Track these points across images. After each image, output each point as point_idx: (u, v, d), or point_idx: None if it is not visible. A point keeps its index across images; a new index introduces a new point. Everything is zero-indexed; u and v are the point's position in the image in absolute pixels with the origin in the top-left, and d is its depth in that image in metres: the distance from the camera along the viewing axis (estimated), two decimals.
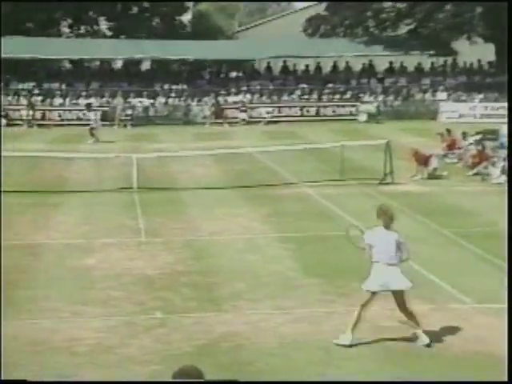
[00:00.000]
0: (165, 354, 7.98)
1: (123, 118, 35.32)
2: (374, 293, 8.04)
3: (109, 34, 47.64)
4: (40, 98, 36.68)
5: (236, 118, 36.45)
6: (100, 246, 12.65)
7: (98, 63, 42.78)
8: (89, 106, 32.85)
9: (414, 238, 11.73)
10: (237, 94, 38.10)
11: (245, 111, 36.61)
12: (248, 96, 38.19)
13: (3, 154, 21.59)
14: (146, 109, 36.81)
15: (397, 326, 8.49)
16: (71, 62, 42.28)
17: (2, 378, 7.25)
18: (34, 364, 7.69)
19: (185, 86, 38.80)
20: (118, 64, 43.54)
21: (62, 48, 39.05)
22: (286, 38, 41.95)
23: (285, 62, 41.41)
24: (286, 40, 41.13)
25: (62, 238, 13.18)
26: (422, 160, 19.43)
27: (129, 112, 35.69)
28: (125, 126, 35.04)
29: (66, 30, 48.54)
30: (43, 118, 35.56)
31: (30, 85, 37.90)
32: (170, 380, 6.83)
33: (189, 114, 37.08)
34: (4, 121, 34.85)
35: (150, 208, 15.86)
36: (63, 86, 38.15)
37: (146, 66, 42.95)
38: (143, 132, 32.74)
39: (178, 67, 42.54)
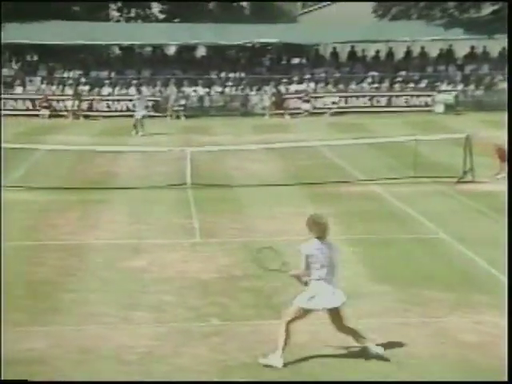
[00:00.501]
0: (221, 365, 8.03)
1: (176, 108, 35.73)
2: (306, 310, 7.89)
3: (161, 17, 48.29)
4: (87, 87, 37.43)
5: (298, 108, 36.46)
6: (151, 246, 12.81)
7: (149, 49, 43.38)
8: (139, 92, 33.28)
9: (497, 244, 11.51)
10: (299, 82, 38.09)
11: (308, 101, 36.57)
12: (312, 85, 38.15)
13: (45, 147, 22.16)
14: (200, 99, 37.15)
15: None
16: (121, 48, 42.96)
17: (3, 378, 7.47)
18: (79, 373, 7.83)
19: (243, 74, 39.00)
20: (171, 50, 44.04)
21: (111, 33, 39.69)
22: (353, 20, 41.68)
23: (352, 47, 41.18)
24: (353, 23, 40.88)
25: (110, 237, 13.41)
26: (507, 157, 19.03)
27: (182, 102, 36.08)
28: (178, 117, 35.44)
29: (116, 13, 49.43)
30: (90, 108, 36.26)
31: (76, 73, 38.69)
32: (172, 380, 7.15)
33: (247, 105, 37.26)
34: (47, 112, 35.68)
35: (204, 206, 15.99)
36: (112, 75, 38.82)
37: (201, 52, 43.33)
38: (197, 124, 33.04)
39: (236, 53, 42.77)
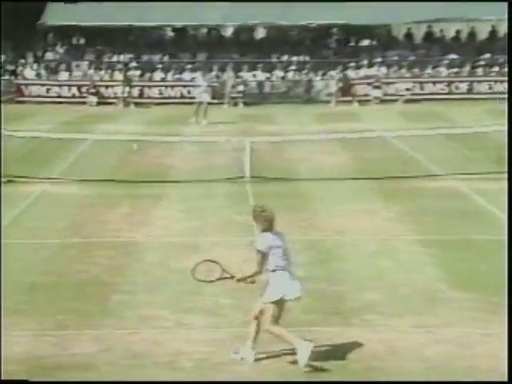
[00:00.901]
0: (282, 371, 8.09)
1: (234, 95, 35.90)
2: (278, 302, 8.26)
3: None
4: (138, 72, 37.85)
5: (368, 95, 36.25)
6: (207, 245, 12.95)
7: (205, 31, 43.66)
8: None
9: None
10: (369, 66, 37.88)
11: (378, 87, 36.34)
12: (383, 69, 37.89)
13: (93, 137, 22.54)
14: (260, 84, 37.24)
15: None
16: (174, 29, 43.30)
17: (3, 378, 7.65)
18: (131, 380, 7.98)
19: (307, 58, 38.95)
20: (229, 32, 44.24)
21: (164, 13, 40.04)
22: None
23: (429, 27, 40.71)
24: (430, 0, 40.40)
25: (163, 235, 13.59)
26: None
27: (240, 88, 36.23)
28: (236, 104, 35.61)
29: None
30: (141, 95, 36.67)
31: (126, 57, 39.20)
32: (173, 380, 7.36)
33: (311, 91, 37.21)
34: (95, 99, 36.21)
35: (264, 201, 15.80)
36: (165, 58, 39.20)
37: (260, 33, 43.41)
38: (257, 112, 33.16)
39: (299, 35, 42.73)
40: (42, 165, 19.95)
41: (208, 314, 9.74)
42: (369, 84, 36.57)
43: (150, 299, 10.24)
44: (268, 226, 8.35)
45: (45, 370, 8.16)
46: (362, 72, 37.57)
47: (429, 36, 40.80)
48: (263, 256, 8.29)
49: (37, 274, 11.37)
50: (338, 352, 8.62)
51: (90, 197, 16.57)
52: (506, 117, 21.66)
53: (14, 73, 38.09)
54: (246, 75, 37.44)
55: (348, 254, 12.46)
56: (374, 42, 41.58)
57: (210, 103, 30.25)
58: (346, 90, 36.26)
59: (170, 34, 44.17)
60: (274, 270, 8.29)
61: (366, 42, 41.61)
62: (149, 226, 14.25)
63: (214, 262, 8.69)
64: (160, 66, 38.41)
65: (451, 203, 15.78)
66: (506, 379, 7.56)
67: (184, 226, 14.19)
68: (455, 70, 37.72)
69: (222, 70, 37.77)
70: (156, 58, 39.35)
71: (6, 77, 37.72)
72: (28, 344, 8.86)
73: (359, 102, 35.54)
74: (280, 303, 8.31)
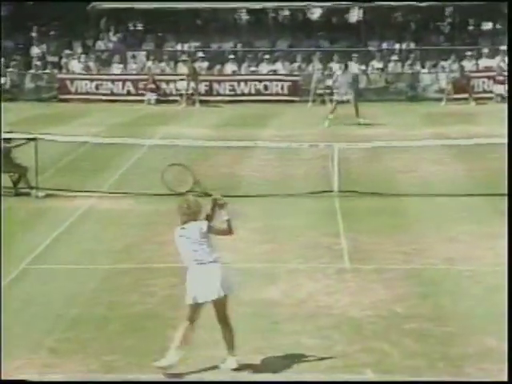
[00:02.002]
0: None
1: (321, 91, 35.96)
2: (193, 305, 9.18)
3: None
4: (206, 63, 38.25)
5: (489, 92, 35.88)
6: (286, 272, 13.01)
7: (287, 13, 43.91)
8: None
9: None
10: (491, 56, 37.48)
11: (502, 82, 35.93)
12: (507, 59, 37.43)
13: (151, 142, 22.85)
14: (354, 78, 37.20)
15: None
16: (250, 12, 43.66)
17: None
18: None
19: (412, 45, 38.82)
20: (316, 14, 44.42)
21: None
22: None
23: None
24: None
25: (233, 260, 13.61)
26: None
27: (329, 83, 36.27)
28: (323, 102, 35.66)
29: None
30: (209, 91, 37.04)
31: (192, 46, 39.68)
32: (174, 380, 8.16)
33: (417, 86, 37.08)
34: (153, 96, 36.69)
35: (356, 221, 16.06)
36: (238, 47, 39.53)
37: (355, 15, 43.47)
38: (349, 111, 33.08)
39: (404, 17, 42.63)
40: (89, 175, 20.37)
41: (287, 356, 9.77)
42: (490, 78, 36.21)
43: (216, 337, 10.33)
44: (185, 219, 9.36)
45: None
46: (482, 63, 37.21)
47: None
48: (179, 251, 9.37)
49: (82, 306, 11.61)
50: None
51: (147, 214, 16.84)
52: (507, 117, 21.33)
53: (57, 65, 38.89)
54: (336, 67, 37.43)
55: (460, 287, 12.36)
56: (499, 25, 41.10)
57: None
58: (462, 85, 35.96)
59: (246, 17, 44.52)
60: (188, 268, 9.20)
61: (488, 26, 41.21)
62: (218, 248, 14.35)
63: (186, 169, 10.16)
64: (232, 56, 38.73)
65: None
66: None
67: (259, 249, 14.30)
68: None
69: (308, 60, 37.90)
70: (228, 46, 39.75)
71: (48, 70, 38.55)
72: None
73: (477, 100, 35.21)
74: (193, 306, 9.14)
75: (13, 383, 8.26)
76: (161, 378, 9.08)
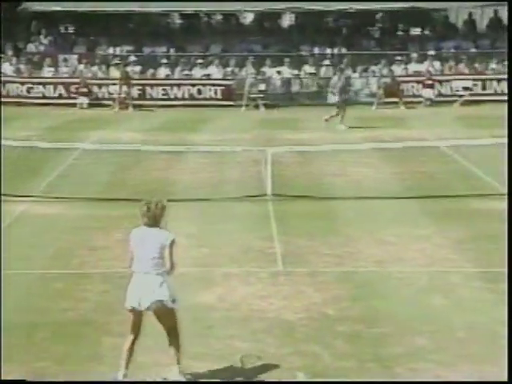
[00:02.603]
0: None
1: (254, 95, 36.05)
2: (136, 310, 8.98)
3: None
4: (138, 67, 38.11)
5: (418, 96, 36.28)
6: (220, 277, 13.01)
7: (220, 18, 43.91)
8: None
9: None
10: (420, 60, 37.92)
11: (431, 86, 36.38)
12: (437, 64, 37.93)
13: (83, 146, 22.69)
14: (286, 82, 37.39)
15: None
16: (183, 16, 43.59)
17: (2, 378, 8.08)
18: None
19: (343, 50, 39.07)
20: (248, 18, 44.49)
21: None
22: None
23: (496, 11, 40.69)
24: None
25: None
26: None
27: (262, 87, 36.40)
28: (256, 106, 35.78)
29: None
30: (143, 96, 36.90)
31: (124, 49, 39.49)
32: (171, 380, 8.13)
33: (348, 91, 37.26)
34: (86, 100, 36.46)
35: (289, 224, 16.13)
36: (171, 51, 39.44)
37: (288, 20, 43.63)
38: (282, 116, 33.28)
39: (334, 22, 42.90)
40: (21, 180, 20.14)
41: (221, 361, 9.79)
42: (419, 82, 36.61)
43: (150, 342, 10.30)
44: (148, 222, 9.11)
45: None
46: (411, 68, 37.61)
47: (495, 23, 40.78)
48: (130, 252, 9.10)
49: (12, 312, 11.43)
50: None
51: (79, 219, 16.71)
52: (507, 118, 21.72)
53: None
54: (269, 71, 37.59)
55: (391, 289, 12.47)
56: (427, 31, 41.63)
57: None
58: (392, 89, 36.31)
59: (179, 21, 44.45)
60: (133, 272, 9.06)
61: (417, 31, 41.67)
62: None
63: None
64: (165, 60, 38.65)
65: None
66: None
67: (193, 253, 14.26)
68: None
69: (240, 65, 37.94)
70: (161, 50, 39.62)
71: None
72: None
73: (407, 104, 35.57)
74: (132, 313, 9.03)
75: (13, 383, 8.23)
76: (161, 378, 9.00)
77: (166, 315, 9.08)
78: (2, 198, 17.99)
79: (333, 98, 31.13)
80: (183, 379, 9.13)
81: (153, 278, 8.93)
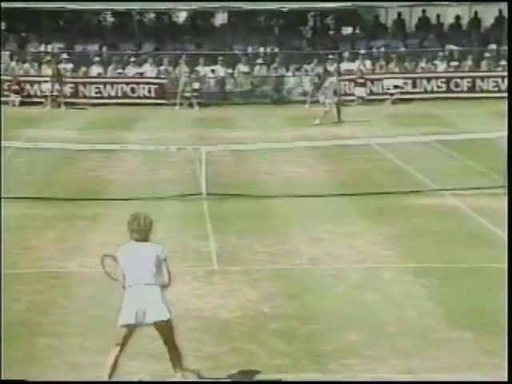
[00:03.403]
0: None
1: (188, 94, 35.98)
2: (130, 326, 8.77)
3: None
4: (70, 65, 37.78)
5: (350, 94, 36.51)
6: None
7: (152, 16, 43.72)
8: None
9: None
10: (351, 59, 38.18)
11: (363, 85, 36.63)
12: (368, 63, 38.22)
13: (13, 144, 22.42)
14: (220, 81, 37.38)
15: None
16: (115, 14, 43.33)
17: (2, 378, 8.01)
18: None
19: (276, 49, 39.18)
20: (182, 17, 44.38)
21: None
22: None
23: (424, 11, 41.17)
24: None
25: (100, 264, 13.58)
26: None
27: (196, 86, 36.35)
28: (190, 105, 35.71)
29: None
30: (75, 94, 36.61)
31: (56, 47, 39.11)
32: (171, 380, 8.11)
33: (281, 89, 37.40)
34: (17, 98, 36.05)
35: (225, 223, 16.14)
36: (104, 49, 39.19)
37: (221, 19, 43.62)
38: (216, 114, 33.27)
39: (268, 21, 42.97)
40: None
41: (154, 360, 9.75)
42: (351, 81, 36.84)
43: (83, 343, 10.26)
44: (139, 237, 8.95)
45: None
46: (343, 66, 37.81)
47: (423, 23, 41.23)
48: (120, 267, 8.87)
49: None
50: None
51: (12, 218, 16.49)
52: (507, 117, 22.02)
53: None
54: (202, 70, 37.55)
55: (325, 286, 12.54)
56: (358, 30, 41.93)
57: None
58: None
59: (111, 19, 44.18)
60: (127, 287, 8.82)
61: (348, 30, 41.94)
62: (84, 254, 14.23)
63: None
64: (98, 58, 38.36)
65: (449, 224, 15.96)
66: None
67: None
68: (455, 63, 38.15)
69: (174, 63, 37.83)
70: (93, 48, 39.32)
71: None
72: None
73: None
74: (126, 328, 8.78)
75: (13, 383, 8.15)
76: (161, 378, 8.87)
77: (168, 328, 8.93)
78: None
79: (322, 99, 31.16)
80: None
81: (154, 291, 8.77)
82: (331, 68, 36.99)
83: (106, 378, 8.82)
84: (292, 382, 8.08)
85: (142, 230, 8.92)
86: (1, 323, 10.15)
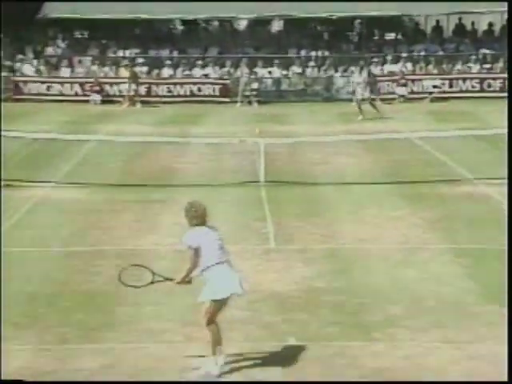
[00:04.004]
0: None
1: (248, 93, 36.00)
2: (215, 301, 8.54)
3: None
4: (145, 68, 38.01)
5: (393, 93, 36.26)
6: None
7: (217, 24, 43.80)
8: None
9: None
10: (394, 62, 37.89)
11: (404, 85, 36.35)
12: (409, 65, 37.90)
13: (97, 138, 22.67)
14: (276, 81, 37.33)
15: None
16: (184, 22, 43.48)
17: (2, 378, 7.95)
18: None
19: (326, 53, 39.01)
20: (243, 25, 44.38)
21: (173, 5, 40.09)
22: None
23: (460, 19, 40.68)
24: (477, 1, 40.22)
25: (172, 243, 13.62)
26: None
27: (255, 86, 36.34)
28: (249, 103, 35.70)
29: None
30: (148, 93, 36.80)
31: (132, 52, 39.37)
32: (173, 380, 7.88)
33: (331, 89, 37.25)
34: (99, 97, 36.38)
35: (281, 207, 16.13)
36: (174, 54, 39.35)
37: (277, 26, 43.54)
38: (273, 111, 33.23)
39: (319, 28, 42.81)
40: (42, 168, 20.11)
41: (221, 328, 9.78)
42: (394, 81, 36.58)
43: (157, 312, 10.33)
44: (199, 221, 8.77)
45: None
46: (386, 68, 37.58)
47: (460, 29, 40.77)
48: (195, 252, 8.62)
49: (37, 285, 11.49)
50: (359, 368, 8.69)
51: (94, 202, 16.70)
52: (506, 117, 21.74)
53: (11, 69, 38.27)
54: (260, 71, 37.54)
55: (371, 264, 12.51)
56: (400, 36, 41.60)
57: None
58: (371, 87, 36.13)
59: (180, 27, 44.36)
60: (208, 267, 8.59)
61: (390, 36, 41.62)
62: (157, 233, 14.35)
63: (142, 266, 9.26)
64: (169, 61, 38.54)
65: (481, 210, 15.81)
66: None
67: None
68: (488, 65, 37.67)
69: (235, 66, 37.87)
70: (164, 53, 39.50)
71: (4, 74, 37.89)
72: (27, 358, 8.98)
73: (383, 100, 35.53)
74: (217, 302, 8.58)
75: (12, 383, 7.87)
76: (160, 378, 8.49)
77: (226, 303, 8.69)
78: (25, 184, 17.98)
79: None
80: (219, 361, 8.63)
81: (230, 266, 8.69)
82: (376, 70, 36.86)
83: (213, 354, 8.56)
84: (292, 381, 7.91)
85: (200, 215, 8.79)
86: (1, 320, 9.86)
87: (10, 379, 7.95)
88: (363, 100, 30.78)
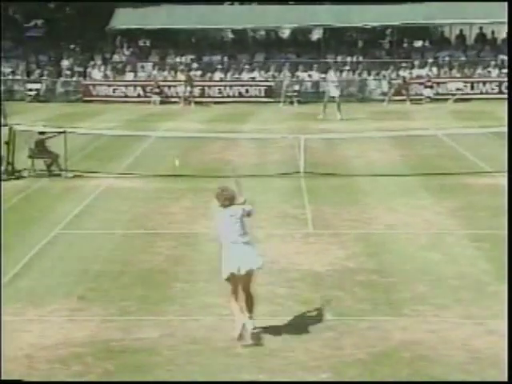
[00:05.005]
0: (335, 361, 8.09)
1: (290, 94, 35.88)
2: (235, 275, 8.50)
3: None
4: (199, 72, 38.07)
5: (420, 94, 35.90)
6: (263, 236, 12.93)
7: (263, 33, 43.72)
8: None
9: None
10: (421, 66, 37.49)
11: (430, 87, 35.97)
12: (434, 69, 37.48)
13: (154, 134, 22.74)
14: (315, 84, 37.14)
15: None
16: (234, 31, 43.47)
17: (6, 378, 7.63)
18: (191, 364, 8.07)
19: (360, 58, 38.72)
20: (286, 33, 44.23)
21: (224, 16, 40.19)
22: None
23: (481, 28, 40.10)
24: (483, 2, 39.68)
25: None
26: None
27: (296, 87, 36.21)
28: (291, 103, 35.59)
29: None
30: (202, 94, 36.87)
31: (188, 58, 39.46)
32: (176, 380, 7.62)
33: (365, 90, 36.99)
34: (158, 98, 36.55)
35: (318, 196, 16.06)
36: (225, 59, 39.36)
37: (316, 34, 43.31)
38: (312, 110, 33.05)
39: (354, 36, 42.51)
40: (107, 160, 20.23)
41: (264, 303, 9.71)
42: (421, 84, 36.21)
43: (209, 288, 10.32)
44: (227, 203, 8.82)
45: (110, 353, 8.30)
46: (415, 72, 37.20)
47: (481, 37, 40.22)
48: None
49: (103, 263, 11.55)
50: (389, 340, 8.60)
51: (153, 191, 16.76)
52: (506, 117, 21.38)
53: (82, 74, 38.67)
54: (301, 75, 37.39)
55: (398, 247, 12.38)
56: (427, 43, 41.16)
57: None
58: (401, 89, 35.87)
59: (230, 35, 44.38)
60: (226, 244, 8.62)
61: (418, 43, 41.20)
62: (208, 218, 14.32)
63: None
64: (220, 66, 38.59)
65: (499, 200, 15.50)
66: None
67: None
68: (505, 70, 37.07)
69: (279, 69, 37.80)
70: (216, 58, 39.54)
71: (75, 78, 38.34)
72: (94, 328, 9.03)
73: (411, 100, 35.20)
74: (233, 278, 8.56)
75: (12, 383, 7.40)
76: (161, 378, 8.02)
77: (251, 276, 8.67)
78: (93, 174, 18.11)
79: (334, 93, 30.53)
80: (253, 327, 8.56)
81: (248, 248, 8.61)
82: (404, 73, 36.47)
83: (239, 321, 8.54)
84: (292, 381, 7.72)
85: (230, 197, 8.87)
86: (0, 317, 9.29)
87: (10, 379, 7.59)
88: (333, 98, 30.08)
